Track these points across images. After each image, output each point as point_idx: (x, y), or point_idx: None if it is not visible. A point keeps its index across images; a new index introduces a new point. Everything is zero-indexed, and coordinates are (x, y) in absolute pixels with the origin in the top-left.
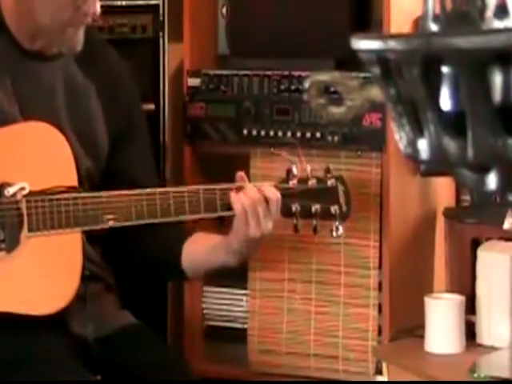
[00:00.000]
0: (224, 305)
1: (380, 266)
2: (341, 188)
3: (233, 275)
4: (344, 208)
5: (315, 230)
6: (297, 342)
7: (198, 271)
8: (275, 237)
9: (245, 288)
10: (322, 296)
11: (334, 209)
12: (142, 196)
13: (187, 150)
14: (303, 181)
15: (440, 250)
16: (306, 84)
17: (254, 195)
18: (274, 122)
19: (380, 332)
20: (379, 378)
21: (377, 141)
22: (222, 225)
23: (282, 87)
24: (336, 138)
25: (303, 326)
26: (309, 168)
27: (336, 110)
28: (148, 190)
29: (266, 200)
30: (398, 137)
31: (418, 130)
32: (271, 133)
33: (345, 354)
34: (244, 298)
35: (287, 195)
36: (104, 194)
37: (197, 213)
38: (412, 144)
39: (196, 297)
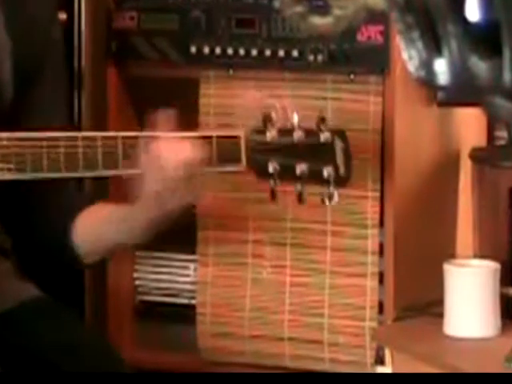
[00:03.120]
0: (163, 274)
1: (381, 224)
2: (339, 144)
3: (175, 235)
4: (342, 170)
5: (300, 198)
6: (265, 322)
7: (97, 252)
8: (234, 183)
9: (192, 252)
10: (301, 263)
11: (327, 171)
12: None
13: (111, 73)
14: (286, 132)
15: (465, 203)
16: None
17: (168, 153)
18: (232, 37)
19: (381, 309)
20: (380, 370)
21: (377, 61)
22: None
23: None
24: (320, 58)
25: (274, 302)
26: (295, 116)
27: (320, 21)
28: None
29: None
30: (407, 56)
31: (434, 46)
32: (229, 51)
33: (332, 337)
34: (191, 265)
35: (263, 151)
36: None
37: (93, 169)
38: (426, 65)
39: (125, 264)
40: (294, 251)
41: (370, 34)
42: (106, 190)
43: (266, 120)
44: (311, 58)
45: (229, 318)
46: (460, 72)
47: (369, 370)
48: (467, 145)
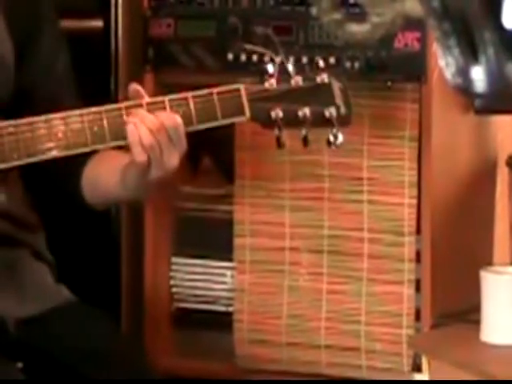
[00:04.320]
0: (200, 281)
1: (418, 231)
2: (336, 84)
3: (213, 242)
4: (342, 109)
5: (305, 141)
6: (302, 329)
7: (99, 197)
8: (271, 190)
9: (229, 259)
10: (337, 270)
11: (329, 111)
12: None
13: (148, 80)
14: (284, 80)
15: (502, 210)
16: None
17: (150, 123)
18: (270, 45)
19: (418, 317)
20: (417, 377)
21: (414, 68)
22: None
23: None
24: (357, 65)
25: (311, 309)
26: (290, 65)
27: (357, 29)
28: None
29: (166, 128)
30: (444, 63)
31: (471, 54)
32: (266, 58)
33: (369, 345)
34: (228, 272)
35: (263, 99)
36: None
37: (85, 146)
38: (463, 72)
39: (161, 270)
40: (331, 258)
41: (406, 41)
42: None
43: (263, 72)
44: (348, 65)
45: (266, 326)
46: (497, 79)
47: (406, 378)
48: (504, 152)
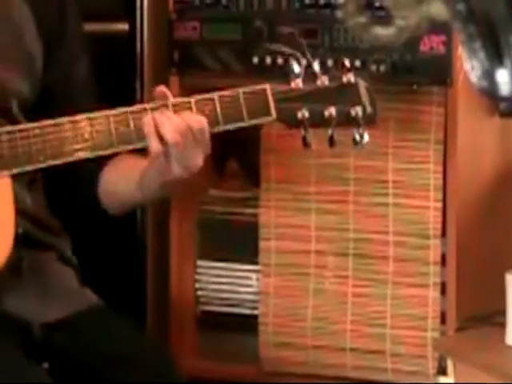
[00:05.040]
0: (225, 284)
1: (443, 234)
2: (362, 84)
3: (238, 245)
4: (369, 109)
5: (331, 141)
6: (327, 332)
7: (117, 202)
8: (296, 193)
9: (254, 262)
10: (363, 273)
11: (354, 111)
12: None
13: (174, 83)
14: (309, 80)
15: None
16: None
17: (176, 123)
18: (295, 46)
19: (443, 320)
20: (442, 380)
21: (439, 71)
22: None
23: (307, 1)
24: (382, 68)
25: (336, 312)
26: (316, 64)
27: (383, 32)
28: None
29: (191, 129)
30: (470, 66)
31: (496, 57)
32: (292, 60)
33: (394, 348)
34: (253, 275)
35: (289, 99)
36: (36, 125)
37: (111, 147)
38: (488, 75)
39: (187, 273)
40: (356, 261)
41: (432, 44)
42: None
43: (289, 71)
44: (374, 68)
45: (291, 329)
46: None
47: (431, 381)
48: None
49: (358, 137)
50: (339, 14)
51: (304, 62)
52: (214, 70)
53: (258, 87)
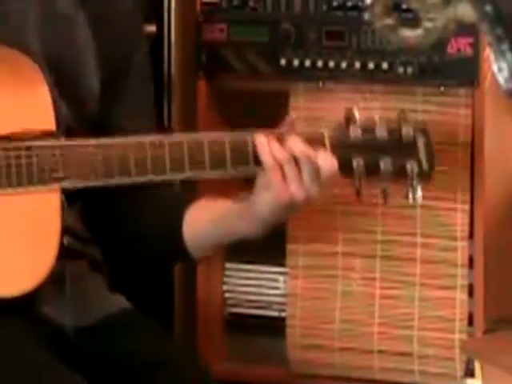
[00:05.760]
0: (253, 286)
1: (471, 236)
2: (421, 139)
3: (266, 247)
4: (425, 165)
5: (385, 195)
6: (354, 334)
7: (206, 247)
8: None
9: (282, 264)
10: (390, 275)
11: (410, 166)
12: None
13: (201, 85)
14: (368, 129)
15: None
16: None
17: (299, 148)
18: (322, 50)
19: (471, 321)
20: (470, 382)
21: (466, 73)
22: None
23: (335, 3)
24: (410, 70)
25: (364, 314)
26: (377, 117)
27: (410, 33)
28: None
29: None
30: (497, 68)
31: None
32: (319, 63)
33: (422, 350)
34: (281, 277)
35: (346, 147)
36: (91, 141)
37: (220, 167)
38: None
39: (214, 275)
40: (384, 263)
41: (459, 46)
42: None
43: (348, 118)
44: (401, 70)
45: (318, 331)
46: None
47: (458, 383)
48: None
49: (410, 192)
50: (366, 16)
51: (361, 109)
52: (241, 72)
53: (316, 132)
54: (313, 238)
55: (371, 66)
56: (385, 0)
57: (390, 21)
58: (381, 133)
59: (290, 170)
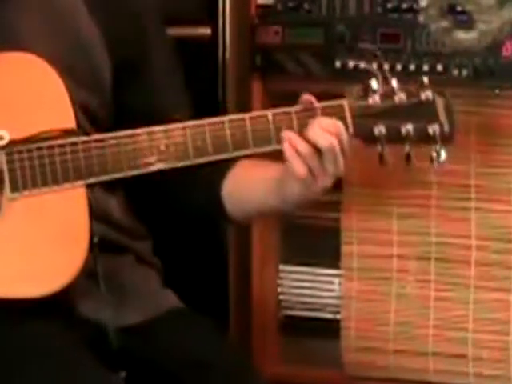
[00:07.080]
0: (308, 288)
1: None
2: (440, 101)
3: (321, 250)
4: (446, 127)
5: (408, 158)
6: (409, 336)
7: (249, 212)
8: (378, 197)
9: (337, 267)
10: (445, 277)
11: (432, 128)
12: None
13: (256, 87)
14: (387, 96)
15: None
16: (423, 1)
17: (333, 127)
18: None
19: None
20: None
21: None
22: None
23: (390, 5)
24: (465, 72)
25: (418, 316)
26: (394, 81)
27: (465, 36)
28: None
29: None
30: None
31: None
32: (374, 66)
33: (476, 352)
34: (336, 279)
35: (366, 115)
36: (107, 136)
37: (244, 148)
38: None
39: (269, 278)
40: (439, 266)
41: None
42: None
43: (367, 87)
44: (456, 72)
45: (373, 333)
46: None
47: None
48: None
49: (435, 155)
50: (421, 18)
51: (381, 76)
52: (295, 74)
53: (336, 103)
54: (367, 240)
55: (426, 68)
56: (439, 1)
57: (444, 23)
58: (400, 99)
59: (315, 165)
